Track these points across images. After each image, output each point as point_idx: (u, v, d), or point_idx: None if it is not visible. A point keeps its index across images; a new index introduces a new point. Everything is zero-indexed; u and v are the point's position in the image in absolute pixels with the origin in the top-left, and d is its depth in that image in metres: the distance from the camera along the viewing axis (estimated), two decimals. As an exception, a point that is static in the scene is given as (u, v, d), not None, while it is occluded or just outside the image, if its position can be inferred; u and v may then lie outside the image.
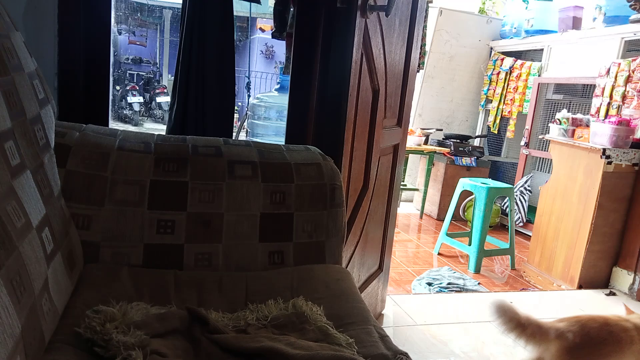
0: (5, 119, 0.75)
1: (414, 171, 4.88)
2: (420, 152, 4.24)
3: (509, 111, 4.36)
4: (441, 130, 4.55)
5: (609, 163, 2.70)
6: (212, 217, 1.15)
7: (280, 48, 11.22)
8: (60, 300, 0.86)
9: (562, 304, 2.63)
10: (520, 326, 1.43)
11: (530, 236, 3.32)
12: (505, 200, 4.07)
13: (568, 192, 2.91)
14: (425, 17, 3.35)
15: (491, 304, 1.44)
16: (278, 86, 4.82)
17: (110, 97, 1.52)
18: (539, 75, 4.04)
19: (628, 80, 3.06)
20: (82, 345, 0.81)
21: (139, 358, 0.76)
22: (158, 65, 12.38)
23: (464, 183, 3.25)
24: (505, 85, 4.41)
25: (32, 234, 0.75)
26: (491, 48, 4.68)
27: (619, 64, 3.14)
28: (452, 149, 4.25)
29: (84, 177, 1.06)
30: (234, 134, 4.37)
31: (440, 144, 4.40)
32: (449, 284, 2.78)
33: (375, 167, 1.85)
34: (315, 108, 1.54)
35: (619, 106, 3.11)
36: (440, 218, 4.25)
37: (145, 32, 12.76)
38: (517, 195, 3.86)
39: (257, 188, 1.20)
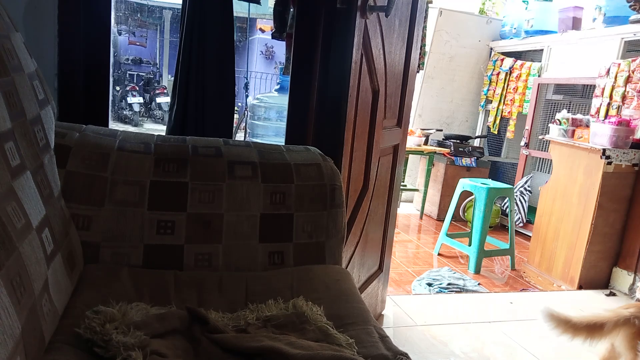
0: (6, 120, 0.76)
1: (414, 171, 4.88)
2: (420, 153, 4.24)
3: (509, 111, 4.36)
4: (441, 130, 4.55)
5: (609, 163, 2.70)
6: (212, 217, 1.15)
7: (280, 48, 11.22)
8: (60, 301, 0.86)
9: (562, 304, 2.63)
10: (572, 327, 1.56)
11: (530, 237, 3.32)
12: (505, 201, 4.07)
13: (568, 193, 2.91)
14: (425, 17, 3.35)
15: (541, 312, 1.59)
16: (278, 87, 4.82)
17: (110, 98, 1.52)
18: (539, 76, 4.05)
19: (628, 80, 3.06)
20: (82, 345, 0.81)
21: (139, 358, 0.76)
22: (158, 66, 12.37)
23: (464, 183, 3.25)
24: (505, 85, 4.41)
25: (32, 235, 0.75)
26: (491, 48, 4.68)
27: (619, 64, 3.14)
28: (452, 149, 4.25)
29: (84, 177, 1.06)
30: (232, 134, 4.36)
31: (440, 144, 4.40)
32: (449, 284, 2.78)
33: (375, 167, 1.85)
34: (315, 108, 1.54)
35: (618, 106, 3.11)
36: (440, 218, 4.25)
37: (145, 32, 12.76)
38: (517, 196, 3.86)
39: (257, 188, 1.20)
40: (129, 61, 11.66)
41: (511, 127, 4.35)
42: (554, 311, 1.59)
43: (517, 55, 4.43)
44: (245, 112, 5.87)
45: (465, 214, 4.01)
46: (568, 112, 3.24)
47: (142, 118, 10.53)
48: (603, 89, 3.23)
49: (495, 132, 4.59)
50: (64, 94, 1.39)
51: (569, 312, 2.51)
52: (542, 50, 4.07)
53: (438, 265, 3.16)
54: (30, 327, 0.69)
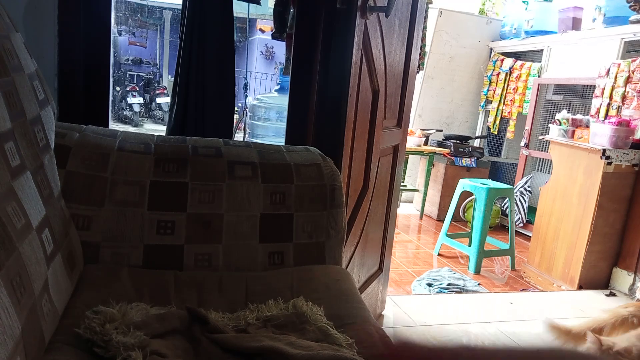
0: (6, 120, 0.76)
1: (414, 172, 4.88)
2: (420, 153, 4.24)
3: (509, 112, 4.36)
4: (441, 130, 4.55)
5: (609, 164, 2.70)
6: (212, 217, 1.15)
7: (280, 49, 11.23)
8: (60, 301, 0.86)
9: (562, 304, 2.63)
10: (574, 337, 1.60)
11: (530, 237, 3.32)
12: (505, 201, 4.07)
13: (568, 193, 2.91)
14: (425, 17, 3.35)
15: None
16: (278, 87, 4.83)
17: (110, 98, 1.52)
18: (539, 76, 4.05)
19: (628, 80, 3.06)
20: (82, 345, 0.81)
21: (139, 358, 0.76)
22: (158, 66, 12.37)
23: (464, 184, 3.25)
24: (505, 86, 4.41)
25: (32, 235, 0.75)
26: (491, 49, 4.68)
27: (619, 64, 3.14)
28: (452, 149, 4.25)
29: (84, 177, 1.06)
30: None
31: (440, 144, 4.40)
32: (449, 284, 2.78)
33: (375, 167, 1.85)
34: (315, 109, 1.54)
35: (618, 107, 3.11)
36: (440, 219, 4.25)
37: (145, 33, 12.75)
38: (517, 196, 3.86)
39: (257, 189, 1.20)
40: (129, 61, 11.66)
41: (511, 128, 4.35)
42: (554, 322, 1.60)
43: (517, 55, 4.43)
44: (245, 112, 5.87)
45: (465, 214, 4.01)
46: (568, 113, 3.24)
47: (142, 118, 10.53)
48: (603, 89, 3.23)
49: (495, 133, 4.59)
50: (64, 94, 1.40)
51: (569, 312, 2.52)
52: (542, 50, 4.07)
53: (438, 266, 3.16)
54: (30, 327, 0.69)
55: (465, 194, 3.35)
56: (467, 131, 4.85)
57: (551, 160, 3.12)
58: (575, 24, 3.82)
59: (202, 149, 1.22)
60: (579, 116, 3.16)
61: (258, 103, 5.19)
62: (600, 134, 2.78)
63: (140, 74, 11.27)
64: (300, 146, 1.38)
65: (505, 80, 4.40)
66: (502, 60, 4.47)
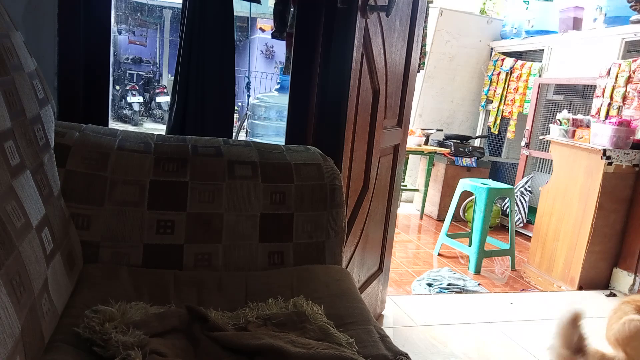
0: (5, 119, 0.75)
1: (414, 172, 4.88)
2: (421, 153, 4.24)
3: (510, 112, 4.36)
4: (441, 130, 4.55)
5: (610, 164, 2.70)
6: (212, 217, 1.15)
7: (280, 48, 11.22)
8: (60, 300, 0.86)
9: (562, 305, 2.62)
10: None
11: (530, 237, 3.32)
12: (506, 201, 4.07)
13: (568, 193, 2.91)
14: (426, 17, 3.35)
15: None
16: (278, 86, 4.83)
17: (110, 97, 1.52)
18: (540, 76, 4.04)
19: (628, 81, 3.06)
20: (81, 345, 0.80)
21: (138, 358, 0.75)
22: (158, 65, 12.37)
23: (464, 183, 3.24)
24: (506, 85, 4.40)
25: (31, 234, 0.75)
26: (492, 48, 4.67)
27: (620, 64, 3.14)
28: (453, 149, 4.25)
29: (83, 177, 1.06)
30: (234, 134, 4.36)
31: (440, 144, 4.40)
32: (449, 284, 2.78)
33: (376, 167, 1.85)
34: (315, 108, 1.54)
35: (619, 107, 3.10)
36: (441, 219, 4.25)
37: (145, 31, 12.75)
38: (517, 196, 3.86)
39: (257, 188, 1.19)
40: (129, 60, 11.66)
41: (512, 127, 4.34)
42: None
43: (517, 55, 4.43)
44: (247, 112, 5.86)
45: (466, 214, 4.01)
46: (568, 113, 3.23)
47: (142, 117, 10.54)
48: (604, 89, 3.23)
49: (496, 132, 4.58)
50: (63, 93, 1.39)
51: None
52: (542, 50, 4.07)
53: (438, 266, 3.16)
54: (29, 327, 0.68)
55: (466, 194, 3.35)
56: (467, 131, 4.85)
57: (552, 160, 3.11)
58: (576, 24, 3.81)
59: (202, 148, 1.21)
60: (579, 116, 3.16)
61: (258, 102, 5.19)
62: (601, 134, 2.78)
63: (140, 72, 11.27)
64: (301, 146, 1.37)
65: (505, 80, 4.40)
66: (503, 59, 4.46)
